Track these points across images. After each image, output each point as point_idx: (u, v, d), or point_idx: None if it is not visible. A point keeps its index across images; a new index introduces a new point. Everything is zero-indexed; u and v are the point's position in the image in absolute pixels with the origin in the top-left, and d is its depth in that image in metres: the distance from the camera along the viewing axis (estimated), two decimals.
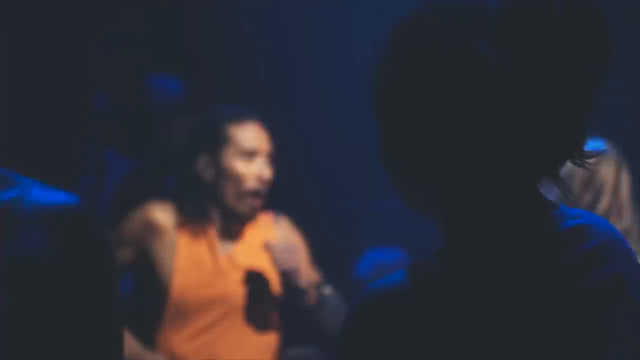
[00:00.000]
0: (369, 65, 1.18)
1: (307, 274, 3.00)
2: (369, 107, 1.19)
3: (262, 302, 2.99)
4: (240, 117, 3.00)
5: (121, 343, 1.43)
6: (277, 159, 3.04)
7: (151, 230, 2.95)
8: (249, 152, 2.94)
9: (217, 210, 2.98)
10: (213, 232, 2.98)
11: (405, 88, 1.14)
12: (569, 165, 1.18)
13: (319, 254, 3.45)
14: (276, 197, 3.09)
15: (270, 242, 2.97)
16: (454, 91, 1.11)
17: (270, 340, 3.00)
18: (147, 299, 3.00)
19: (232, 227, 2.99)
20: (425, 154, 1.13)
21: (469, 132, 1.11)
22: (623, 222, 2.40)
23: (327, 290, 3.01)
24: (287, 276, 2.97)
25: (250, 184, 2.93)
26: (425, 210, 1.18)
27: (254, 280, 2.99)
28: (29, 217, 1.36)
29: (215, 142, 2.95)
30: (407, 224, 4.17)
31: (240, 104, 3.25)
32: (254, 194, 2.94)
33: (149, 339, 2.95)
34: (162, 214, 2.96)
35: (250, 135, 2.97)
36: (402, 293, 1.15)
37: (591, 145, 1.18)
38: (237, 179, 2.93)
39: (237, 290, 2.96)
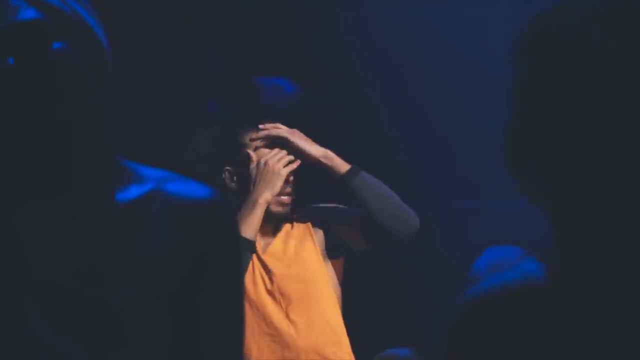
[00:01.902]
0: (507, 56, 1.17)
1: None
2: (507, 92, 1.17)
3: (314, 284, 3.04)
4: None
5: (242, 337, 1.43)
6: (394, 159, 3.08)
7: None
8: None
9: None
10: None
11: (541, 83, 1.12)
12: None
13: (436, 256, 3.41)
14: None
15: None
16: (586, 92, 1.09)
17: (335, 317, 3.05)
18: None
19: (268, 226, 3.08)
20: (552, 146, 1.11)
21: (596, 128, 1.08)
22: None
23: None
24: (294, 143, 3.05)
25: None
26: (544, 203, 1.14)
27: (301, 265, 3.06)
28: (164, 211, 1.37)
29: (238, 153, 3.05)
30: (525, 222, 4.12)
31: (350, 106, 3.28)
32: (280, 194, 3.03)
33: None
34: None
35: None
36: (513, 293, 1.12)
37: None
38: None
39: (288, 281, 3.02)
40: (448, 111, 4.67)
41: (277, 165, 3.03)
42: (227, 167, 3.08)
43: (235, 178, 3.08)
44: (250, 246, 2.98)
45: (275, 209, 3.06)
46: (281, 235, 3.11)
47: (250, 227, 2.97)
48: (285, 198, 3.06)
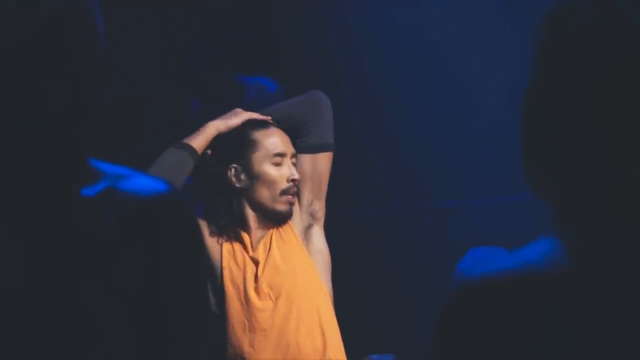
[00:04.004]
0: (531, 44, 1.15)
1: None
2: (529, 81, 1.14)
3: (307, 282, 3.07)
4: (263, 123, 3.16)
5: (208, 338, 1.38)
6: (378, 159, 3.11)
7: None
8: (278, 155, 3.08)
9: (252, 212, 3.10)
10: (246, 235, 3.10)
11: (561, 61, 1.10)
12: None
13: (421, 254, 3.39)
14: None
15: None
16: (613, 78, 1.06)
17: (326, 308, 3.08)
18: None
19: (267, 225, 3.11)
20: (576, 136, 1.08)
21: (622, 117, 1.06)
22: None
23: None
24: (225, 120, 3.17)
25: (283, 185, 3.08)
26: (555, 197, 1.12)
27: (285, 257, 3.09)
28: (118, 208, 1.33)
29: (245, 149, 3.09)
30: (508, 221, 4.13)
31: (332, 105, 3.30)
32: (288, 193, 3.08)
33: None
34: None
35: (276, 139, 3.13)
36: (513, 280, 1.10)
37: None
38: (270, 183, 3.08)
39: (275, 274, 3.05)
40: (430, 111, 4.68)
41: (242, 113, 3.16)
42: (234, 165, 3.10)
43: (242, 176, 3.10)
44: (190, 150, 3.05)
45: (282, 207, 3.09)
46: (275, 234, 3.14)
47: (194, 138, 3.09)
48: (291, 197, 3.08)
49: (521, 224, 3.23)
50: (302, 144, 3.18)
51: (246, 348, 3.00)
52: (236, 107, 3.84)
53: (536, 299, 1.08)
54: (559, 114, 1.09)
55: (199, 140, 3.10)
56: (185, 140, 3.10)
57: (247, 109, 3.33)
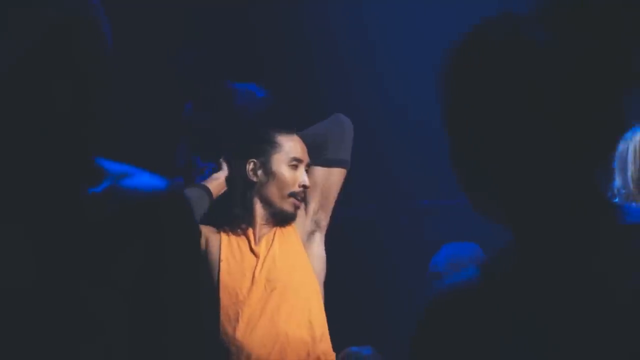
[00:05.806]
0: (439, 68, 1.23)
1: None
2: (441, 108, 1.23)
3: (302, 279, 3.20)
4: (288, 129, 3.30)
5: (203, 334, 1.40)
6: (353, 159, 3.25)
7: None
8: (296, 160, 3.24)
9: (262, 208, 3.25)
10: (251, 229, 3.23)
11: (479, 86, 1.15)
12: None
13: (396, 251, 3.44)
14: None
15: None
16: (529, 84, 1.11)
17: (315, 314, 3.19)
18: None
19: (272, 223, 3.25)
20: (496, 148, 1.12)
21: (539, 120, 1.10)
22: None
23: None
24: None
25: (294, 188, 3.23)
26: (491, 211, 1.16)
27: (293, 263, 3.21)
28: (119, 205, 1.34)
29: (267, 147, 3.25)
30: (483, 220, 4.24)
31: (316, 107, 3.44)
32: (296, 196, 3.22)
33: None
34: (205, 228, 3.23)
35: (296, 145, 3.28)
36: (474, 290, 1.15)
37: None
38: (282, 183, 3.23)
39: (279, 274, 3.17)
40: (404, 112, 4.76)
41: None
42: (253, 159, 3.26)
43: (259, 172, 3.26)
44: (207, 190, 3.27)
45: (287, 207, 3.24)
46: (279, 232, 3.27)
47: (208, 183, 3.30)
48: (298, 201, 3.24)
49: (494, 222, 3.33)
50: (320, 157, 3.34)
51: (238, 336, 3.11)
52: (226, 112, 3.97)
53: (500, 302, 1.14)
54: (482, 137, 1.15)
55: (213, 184, 3.31)
56: (203, 183, 3.32)
57: (237, 113, 3.44)
